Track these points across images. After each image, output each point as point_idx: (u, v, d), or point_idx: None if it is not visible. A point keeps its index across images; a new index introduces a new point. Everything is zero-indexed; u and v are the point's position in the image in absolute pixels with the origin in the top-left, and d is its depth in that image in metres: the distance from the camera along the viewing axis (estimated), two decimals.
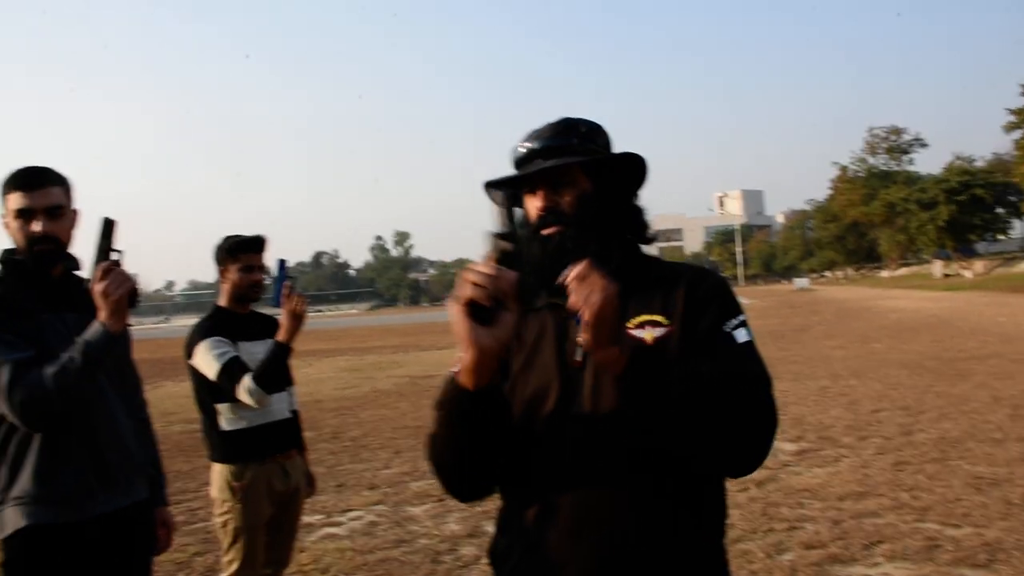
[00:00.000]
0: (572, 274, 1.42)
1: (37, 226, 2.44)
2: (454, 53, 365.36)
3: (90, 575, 2.51)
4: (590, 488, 1.56)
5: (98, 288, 2.32)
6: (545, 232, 1.65)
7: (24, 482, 2.40)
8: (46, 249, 2.47)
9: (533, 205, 1.69)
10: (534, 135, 1.71)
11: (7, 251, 2.55)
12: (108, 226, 2.40)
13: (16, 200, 2.43)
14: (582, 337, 1.43)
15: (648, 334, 1.58)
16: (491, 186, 1.76)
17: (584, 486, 1.56)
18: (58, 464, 2.42)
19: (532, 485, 1.61)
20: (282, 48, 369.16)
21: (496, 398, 1.53)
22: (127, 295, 2.36)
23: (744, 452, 1.51)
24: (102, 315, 2.35)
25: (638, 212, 1.74)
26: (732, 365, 1.53)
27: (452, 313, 1.43)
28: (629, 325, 1.59)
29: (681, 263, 1.77)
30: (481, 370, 1.45)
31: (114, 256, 2.39)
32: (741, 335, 1.56)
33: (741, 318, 1.60)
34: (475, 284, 1.40)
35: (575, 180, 1.64)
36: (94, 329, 2.35)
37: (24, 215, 2.43)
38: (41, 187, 2.45)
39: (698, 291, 1.62)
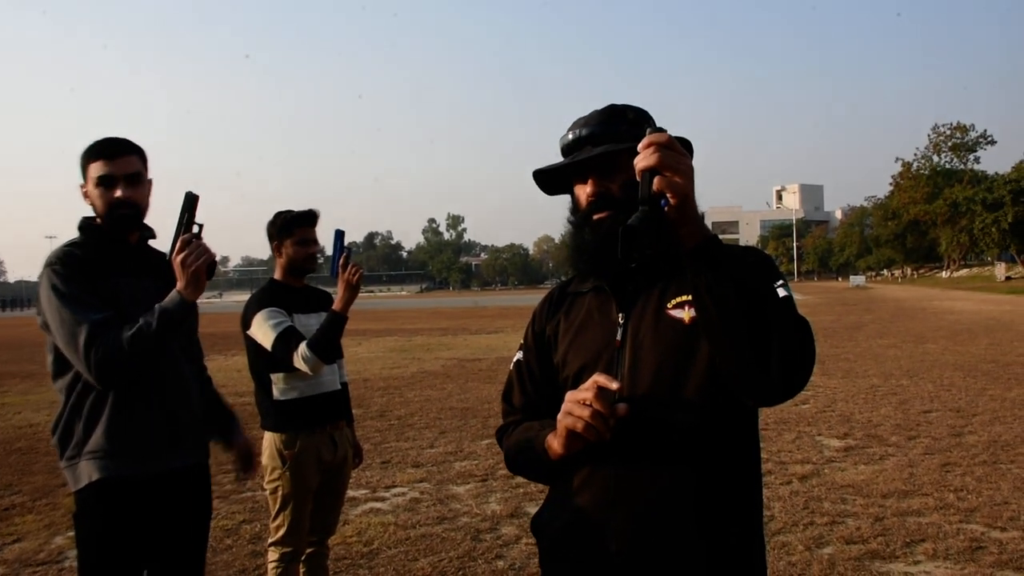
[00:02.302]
0: (651, 139, 1.43)
1: (119, 191, 2.57)
2: (514, 42, 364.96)
3: (155, 528, 2.64)
4: (627, 460, 1.62)
5: (178, 259, 2.44)
6: (596, 217, 1.70)
7: (98, 437, 2.52)
8: (127, 214, 2.60)
9: (583, 192, 1.73)
10: (582, 122, 1.75)
11: (85, 218, 2.68)
12: (190, 200, 2.52)
13: (98, 168, 2.56)
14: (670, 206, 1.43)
15: (686, 314, 1.62)
16: (540, 174, 1.79)
17: (621, 459, 1.62)
18: (130, 421, 2.54)
19: (574, 460, 1.67)
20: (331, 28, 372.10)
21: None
22: (205, 266, 2.48)
23: (787, 373, 1.46)
24: (180, 284, 2.47)
25: None
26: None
27: (561, 423, 1.57)
28: (668, 306, 1.65)
29: (728, 245, 1.73)
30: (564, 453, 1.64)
31: (195, 229, 2.51)
32: (781, 291, 1.55)
33: (782, 281, 1.58)
34: (588, 424, 1.51)
35: (624, 166, 1.63)
36: (172, 297, 2.47)
37: (106, 182, 2.56)
38: (121, 155, 2.59)
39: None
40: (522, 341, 1.95)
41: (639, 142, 1.52)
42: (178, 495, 2.68)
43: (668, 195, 1.41)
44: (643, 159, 1.42)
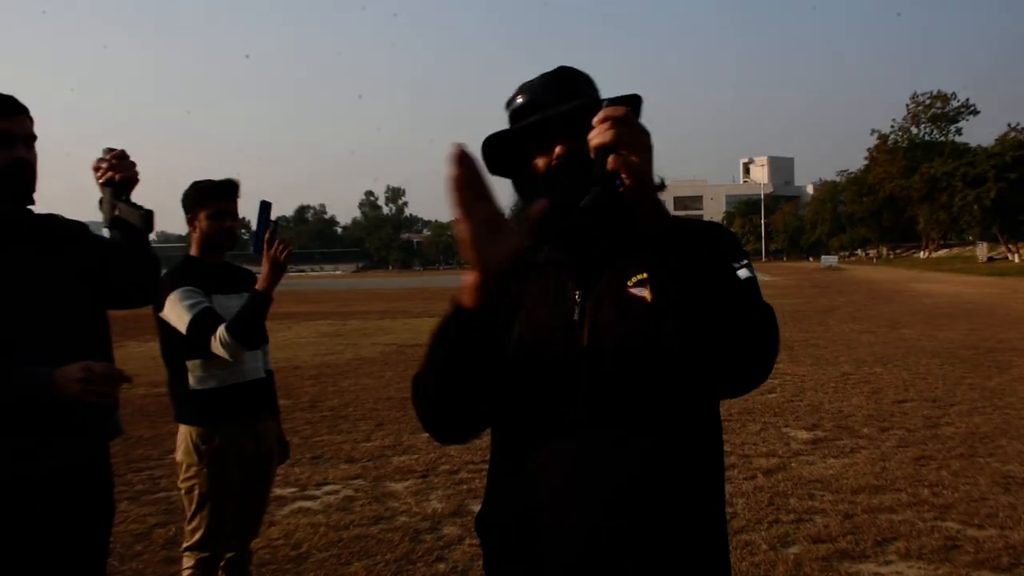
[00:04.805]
0: (607, 113, 1.41)
1: (22, 151, 2.47)
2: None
3: (41, 536, 2.52)
4: (583, 443, 1.62)
5: (79, 376, 2.35)
6: (563, 179, 1.64)
7: None
8: (26, 176, 2.51)
9: (544, 160, 1.69)
10: (536, 83, 1.71)
11: None
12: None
13: None
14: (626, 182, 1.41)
15: (648, 292, 1.62)
16: (493, 140, 1.72)
17: (575, 442, 1.62)
18: (9, 417, 2.42)
19: (524, 444, 1.67)
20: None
21: (493, 323, 1.48)
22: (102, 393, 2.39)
23: (752, 362, 1.51)
24: (63, 386, 2.35)
25: None
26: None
27: (457, 226, 1.36)
28: (629, 284, 1.65)
29: (689, 219, 1.67)
30: (484, 288, 1.41)
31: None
32: (744, 272, 1.56)
33: (745, 262, 1.59)
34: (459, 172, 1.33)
35: (590, 125, 1.53)
36: (43, 381, 2.36)
37: (3, 141, 2.44)
38: (19, 114, 2.49)
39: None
40: None
41: (599, 100, 1.52)
42: (67, 495, 2.56)
43: (623, 176, 1.41)
44: (598, 135, 1.41)
